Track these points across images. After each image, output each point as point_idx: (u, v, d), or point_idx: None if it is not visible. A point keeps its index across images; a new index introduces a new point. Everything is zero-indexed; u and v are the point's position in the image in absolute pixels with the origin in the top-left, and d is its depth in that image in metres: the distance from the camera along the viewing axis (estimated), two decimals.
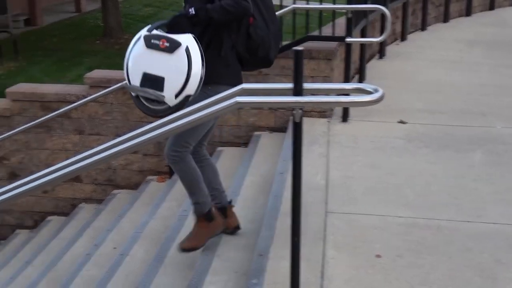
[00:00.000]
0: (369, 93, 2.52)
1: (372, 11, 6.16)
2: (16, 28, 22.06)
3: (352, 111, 5.37)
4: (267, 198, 4.02)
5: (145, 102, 3.33)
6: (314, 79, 5.45)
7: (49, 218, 6.18)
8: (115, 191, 6.02)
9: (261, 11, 3.60)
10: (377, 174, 4.30)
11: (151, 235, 4.53)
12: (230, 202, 3.91)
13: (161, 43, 3.25)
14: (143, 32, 3.37)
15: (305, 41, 5.42)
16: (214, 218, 3.72)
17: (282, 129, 5.51)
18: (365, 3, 6.05)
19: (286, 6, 5.44)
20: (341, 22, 5.78)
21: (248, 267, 3.35)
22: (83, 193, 6.14)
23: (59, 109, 5.84)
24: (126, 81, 3.38)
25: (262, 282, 3.04)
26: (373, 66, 7.10)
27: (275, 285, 3.00)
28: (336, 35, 5.55)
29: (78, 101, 5.79)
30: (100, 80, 5.85)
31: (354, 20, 5.41)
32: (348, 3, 5.38)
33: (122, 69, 3.48)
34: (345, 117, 5.36)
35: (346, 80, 5.48)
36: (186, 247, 3.73)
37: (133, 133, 2.71)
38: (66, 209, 6.18)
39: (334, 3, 5.87)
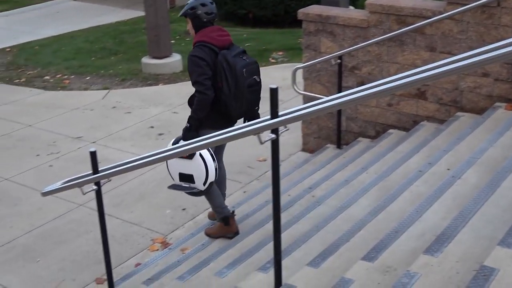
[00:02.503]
0: None
1: None
2: None
3: None
4: None
5: (185, 191, 4.87)
6: None
7: (390, 131, 6.31)
8: (459, 113, 5.84)
9: (227, 78, 4.54)
10: None
11: (487, 162, 4.32)
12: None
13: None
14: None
15: None
16: (229, 224, 5.06)
17: None
18: None
19: None
20: None
21: None
22: (426, 111, 6.10)
23: (414, 24, 5.80)
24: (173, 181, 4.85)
25: None
26: None
27: None
28: None
29: (434, 17, 5.67)
30: None
31: None
32: None
33: None
34: None
35: None
36: (206, 232, 5.25)
37: (479, 49, 2.54)
38: (408, 125, 6.23)
39: None
